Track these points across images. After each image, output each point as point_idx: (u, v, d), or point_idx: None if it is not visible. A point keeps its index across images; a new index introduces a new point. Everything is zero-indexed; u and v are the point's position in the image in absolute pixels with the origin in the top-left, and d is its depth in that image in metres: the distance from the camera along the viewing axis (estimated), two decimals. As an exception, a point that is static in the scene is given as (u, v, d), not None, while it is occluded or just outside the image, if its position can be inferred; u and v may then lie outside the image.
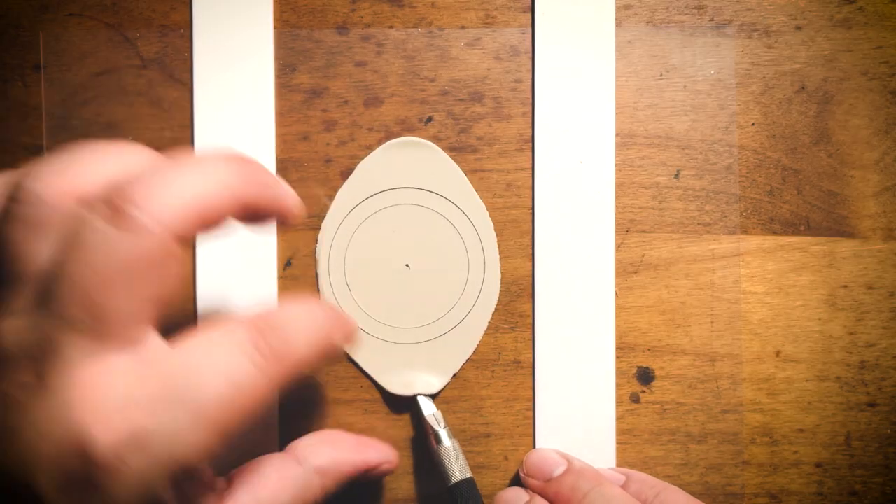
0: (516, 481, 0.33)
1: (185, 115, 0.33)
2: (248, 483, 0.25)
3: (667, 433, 0.33)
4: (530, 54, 0.33)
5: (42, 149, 0.33)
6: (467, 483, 0.30)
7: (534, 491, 0.31)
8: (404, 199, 0.33)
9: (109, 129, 0.33)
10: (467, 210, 0.33)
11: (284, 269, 0.33)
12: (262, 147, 0.33)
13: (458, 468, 0.30)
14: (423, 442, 0.33)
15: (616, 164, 0.33)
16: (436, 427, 0.31)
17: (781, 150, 0.33)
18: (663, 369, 0.33)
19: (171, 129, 0.33)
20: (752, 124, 0.33)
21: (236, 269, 0.33)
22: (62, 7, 0.33)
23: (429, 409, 0.32)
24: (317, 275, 0.33)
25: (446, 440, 0.31)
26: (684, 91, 0.33)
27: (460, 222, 0.33)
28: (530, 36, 0.33)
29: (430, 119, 0.33)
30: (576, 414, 0.33)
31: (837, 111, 0.33)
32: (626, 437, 0.33)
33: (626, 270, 0.33)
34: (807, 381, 0.33)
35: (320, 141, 0.33)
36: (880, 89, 0.33)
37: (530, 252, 0.33)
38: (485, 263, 0.33)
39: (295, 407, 0.33)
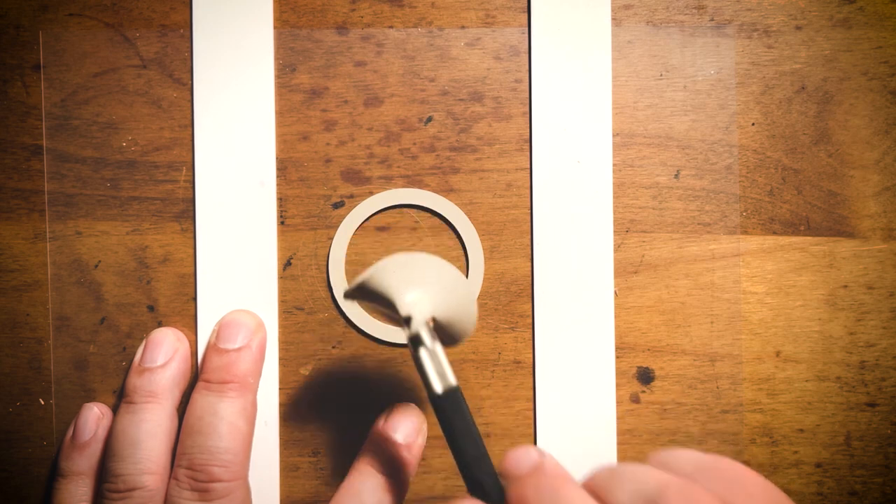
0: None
1: (185, 115, 0.33)
2: None
3: (667, 433, 0.33)
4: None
5: (42, 149, 0.33)
6: (451, 395, 0.23)
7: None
8: (404, 199, 0.33)
9: (109, 129, 0.33)
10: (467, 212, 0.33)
11: (284, 269, 0.33)
12: (262, 147, 0.33)
13: (438, 376, 0.24)
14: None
15: (616, 164, 0.33)
16: (417, 329, 0.24)
17: (781, 150, 0.33)
18: (663, 369, 0.33)
19: (171, 129, 0.33)
20: (752, 124, 0.33)
21: (236, 269, 0.33)
22: (62, 7, 0.33)
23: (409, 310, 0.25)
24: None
25: (428, 342, 0.24)
26: (684, 91, 0.33)
27: (459, 222, 0.33)
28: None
29: (430, 119, 0.33)
30: (576, 414, 0.33)
31: (837, 111, 0.33)
32: (626, 437, 0.33)
33: (626, 270, 0.33)
34: (807, 381, 0.33)
35: (320, 141, 0.33)
36: (880, 89, 0.33)
37: (530, 252, 0.33)
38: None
39: (295, 407, 0.33)
